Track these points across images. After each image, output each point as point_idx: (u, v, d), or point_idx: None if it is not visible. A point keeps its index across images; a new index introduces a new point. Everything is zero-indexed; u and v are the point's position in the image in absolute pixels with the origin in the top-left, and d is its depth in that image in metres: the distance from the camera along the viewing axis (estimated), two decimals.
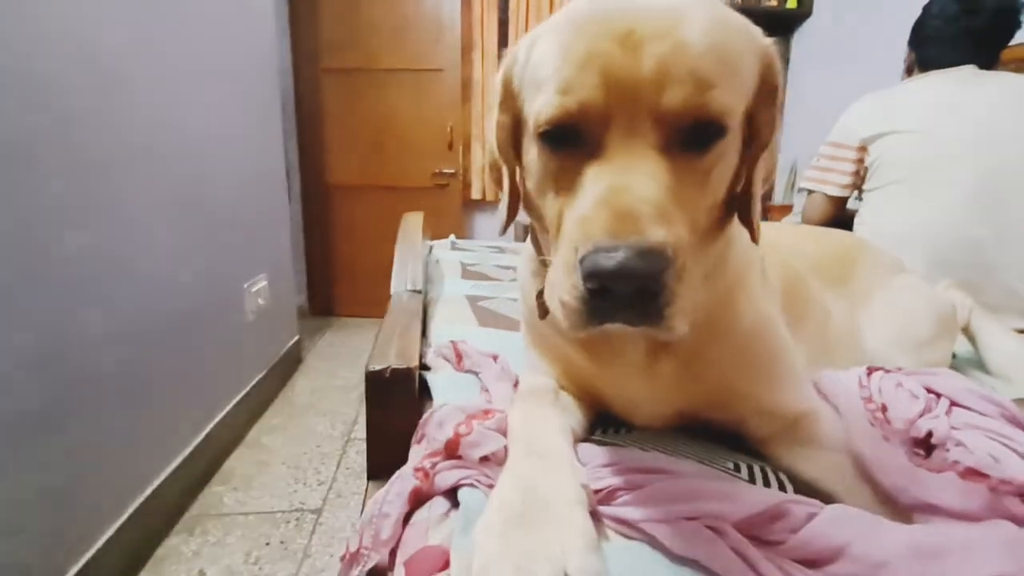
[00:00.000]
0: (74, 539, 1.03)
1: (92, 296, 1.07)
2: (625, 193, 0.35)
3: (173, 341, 1.37)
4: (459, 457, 0.41)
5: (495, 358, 0.62)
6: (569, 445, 0.43)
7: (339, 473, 1.61)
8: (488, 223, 3.17)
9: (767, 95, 0.42)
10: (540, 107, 0.39)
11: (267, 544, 1.30)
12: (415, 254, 0.94)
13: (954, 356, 0.96)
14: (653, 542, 0.35)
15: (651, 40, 0.35)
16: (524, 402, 0.49)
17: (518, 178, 0.49)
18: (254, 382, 1.87)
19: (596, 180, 0.37)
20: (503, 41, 2.93)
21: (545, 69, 0.40)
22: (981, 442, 0.43)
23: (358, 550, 0.37)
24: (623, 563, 0.34)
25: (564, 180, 0.40)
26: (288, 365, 2.21)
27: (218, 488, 1.51)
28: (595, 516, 0.37)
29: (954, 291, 0.97)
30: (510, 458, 0.41)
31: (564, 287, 0.35)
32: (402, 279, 0.89)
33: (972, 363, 0.93)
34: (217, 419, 1.60)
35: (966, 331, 0.94)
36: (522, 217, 0.53)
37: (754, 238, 0.45)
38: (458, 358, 0.63)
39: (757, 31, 0.42)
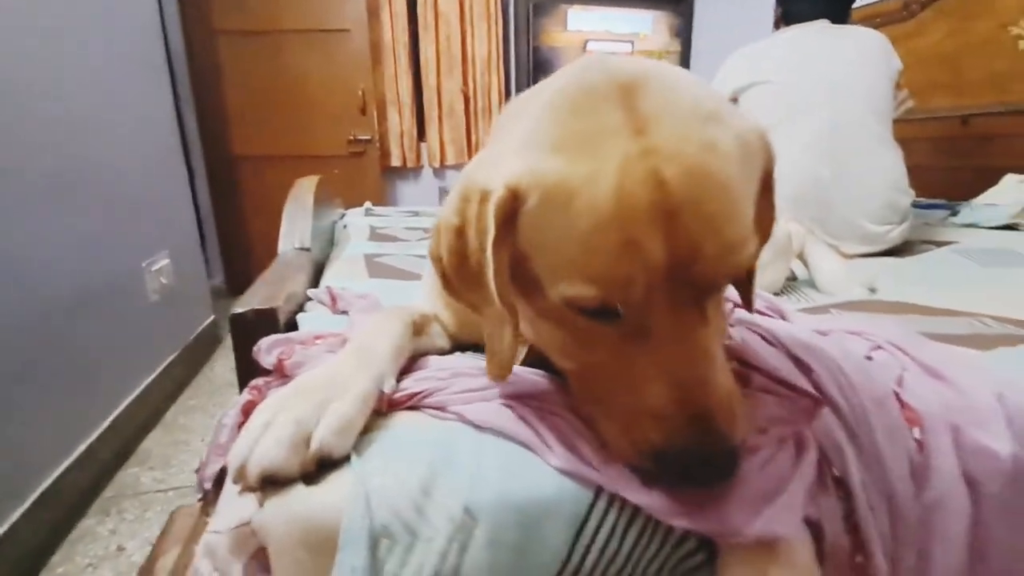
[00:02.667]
0: None
1: None
2: (698, 393, 0.34)
3: (67, 326, 1.32)
4: (288, 376, 0.47)
5: (365, 297, 0.67)
6: (394, 356, 0.48)
7: None
8: (410, 190, 3.15)
9: (766, 187, 0.42)
10: (568, 293, 0.36)
11: None
12: (304, 214, 0.96)
13: (796, 278, 1.11)
14: (462, 419, 0.42)
15: (685, 217, 0.33)
16: (380, 315, 0.53)
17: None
18: (166, 363, 1.82)
19: (654, 368, 0.35)
20: (411, 1, 2.86)
21: (567, 246, 0.35)
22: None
23: (206, 458, 0.42)
24: (441, 433, 0.42)
25: (597, 342, 0.38)
26: (205, 345, 2.15)
27: (134, 469, 1.49)
28: (381, 412, 0.43)
29: (792, 223, 1.11)
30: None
31: (617, 446, 0.38)
32: (290, 239, 0.91)
33: (806, 283, 1.08)
34: (126, 402, 1.56)
35: (800, 256, 1.09)
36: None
37: (749, 309, 0.50)
38: (333, 301, 0.68)
39: (759, 128, 0.40)
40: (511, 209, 0.37)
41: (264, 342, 0.49)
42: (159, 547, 0.40)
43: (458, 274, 0.42)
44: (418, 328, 0.56)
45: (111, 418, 1.47)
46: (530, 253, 0.38)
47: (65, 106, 1.37)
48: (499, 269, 0.38)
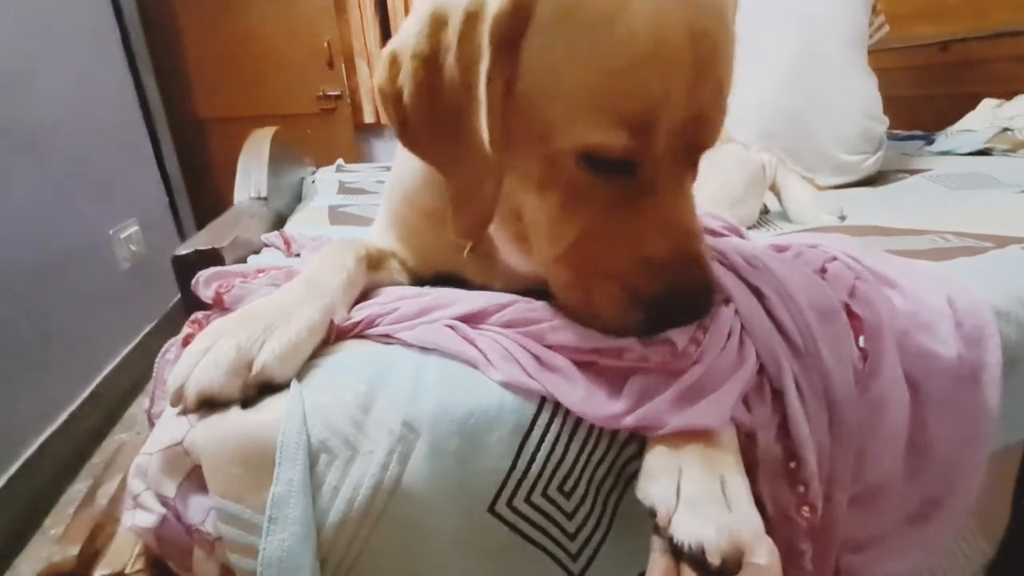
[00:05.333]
0: None
1: None
2: (693, 245, 0.38)
3: (37, 295, 1.30)
4: (228, 310, 0.45)
5: (319, 239, 0.66)
6: (345, 288, 0.46)
7: None
8: (385, 147, 3.07)
9: None
10: (591, 140, 0.34)
11: None
12: (260, 163, 0.93)
13: (768, 211, 1.10)
14: (404, 344, 0.42)
15: (709, 72, 0.34)
16: (330, 247, 0.51)
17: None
18: (146, 332, 1.80)
19: (656, 222, 0.37)
20: None
21: (593, 79, 0.32)
22: None
23: (152, 395, 0.41)
24: (380, 354, 0.41)
25: (595, 202, 0.37)
26: (183, 314, 2.13)
27: (121, 435, 1.50)
28: (328, 342, 0.42)
29: (764, 153, 1.09)
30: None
31: (610, 306, 0.38)
32: (245, 189, 0.88)
33: (778, 215, 1.07)
34: (107, 370, 1.56)
35: (772, 188, 1.08)
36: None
37: None
38: (287, 245, 0.66)
39: None
40: (512, 29, 0.32)
41: (202, 275, 0.48)
42: (102, 476, 0.40)
43: (426, 117, 0.36)
44: (373, 262, 0.54)
45: (92, 386, 1.47)
46: (535, 88, 0.33)
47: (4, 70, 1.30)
48: (492, 105, 0.33)
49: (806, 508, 0.38)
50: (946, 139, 1.48)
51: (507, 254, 0.46)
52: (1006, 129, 1.37)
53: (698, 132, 0.36)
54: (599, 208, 0.37)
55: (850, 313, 0.46)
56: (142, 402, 1.64)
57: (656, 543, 0.34)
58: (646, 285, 0.37)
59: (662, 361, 0.38)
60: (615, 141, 0.33)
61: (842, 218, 0.98)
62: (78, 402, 1.40)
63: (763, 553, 0.31)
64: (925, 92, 1.84)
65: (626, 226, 0.37)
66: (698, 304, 0.40)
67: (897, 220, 0.88)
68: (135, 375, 1.70)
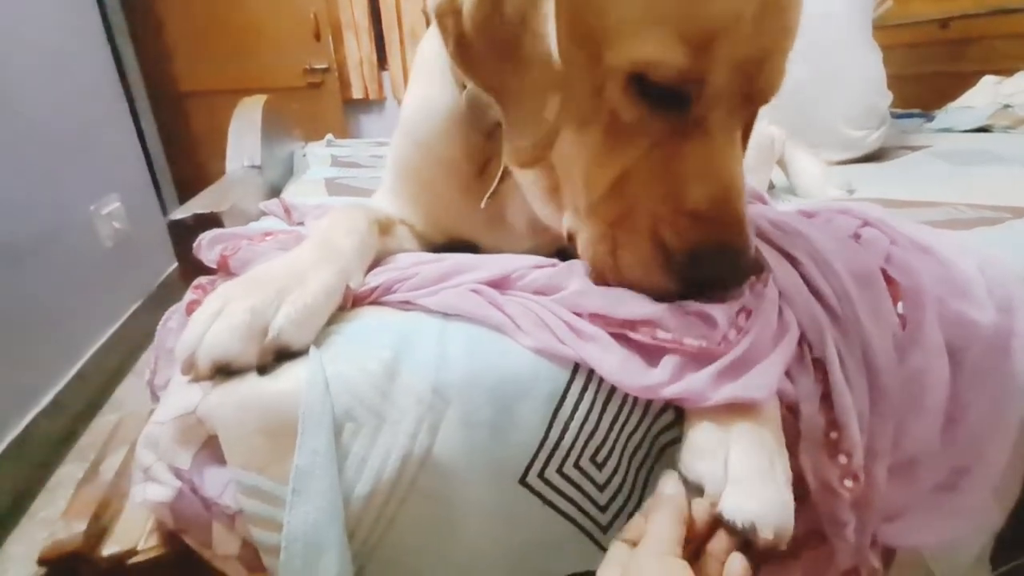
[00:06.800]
0: None
1: None
2: (736, 202, 0.35)
3: (16, 274, 1.24)
4: (234, 275, 0.42)
5: (321, 207, 0.63)
6: (360, 252, 0.44)
7: None
8: (374, 124, 2.99)
9: None
10: (649, 55, 0.31)
11: None
12: (252, 130, 0.89)
13: (774, 186, 1.09)
14: (427, 310, 0.39)
15: (779, 14, 0.33)
16: (340, 211, 0.48)
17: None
18: (131, 311, 1.75)
19: (701, 169, 0.35)
20: None
21: None
22: None
23: (154, 365, 0.38)
24: (404, 321, 0.39)
25: (639, 138, 0.35)
26: (173, 292, 2.06)
27: (110, 416, 1.46)
28: (345, 309, 0.39)
29: (773, 126, 1.07)
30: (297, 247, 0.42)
31: (637, 268, 0.37)
32: (238, 158, 0.84)
33: (785, 189, 1.06)
34: (92, 351, 1.51)
35: (780, 162, 1.06)
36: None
37: None
38: (287, 213, 0.63)
39: None
40: None
41: (205, 236, 0.44)
42: (105, 449, 0.37)
43: (486, 32, 0.34)
44: (384, 227, 0.51)
45: (77, 367, 1.43)
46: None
47: None
48: (560, 12, 0.31)
49: (849, 479, 0.36)
50: (946, 116, 1.47)
51: (536, 206, 0.44)
52: (1006, 106, 1.37)
53: (760, 73, 0.34)
54: (643, 146, 0.35)
55: (887, 279, 0.45)
56: (130, 384, 1.60)
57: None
58: (679, 242, 0.35)
59: (698, 349, 0.35)
60: (672, 59, 0.31)
61: (851, 192, 0.96)
62: (63, 383, 1.36)
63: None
64: (925, 69, 1.83)
65: (668, 170, 0.35)
66: (732, 270, 0.37)
67: (906, 194, 0.87)
68: (122, 355, 1.65)
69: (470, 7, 0.34)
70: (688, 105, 0.33)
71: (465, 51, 0.36)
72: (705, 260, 0.36)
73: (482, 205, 0.45)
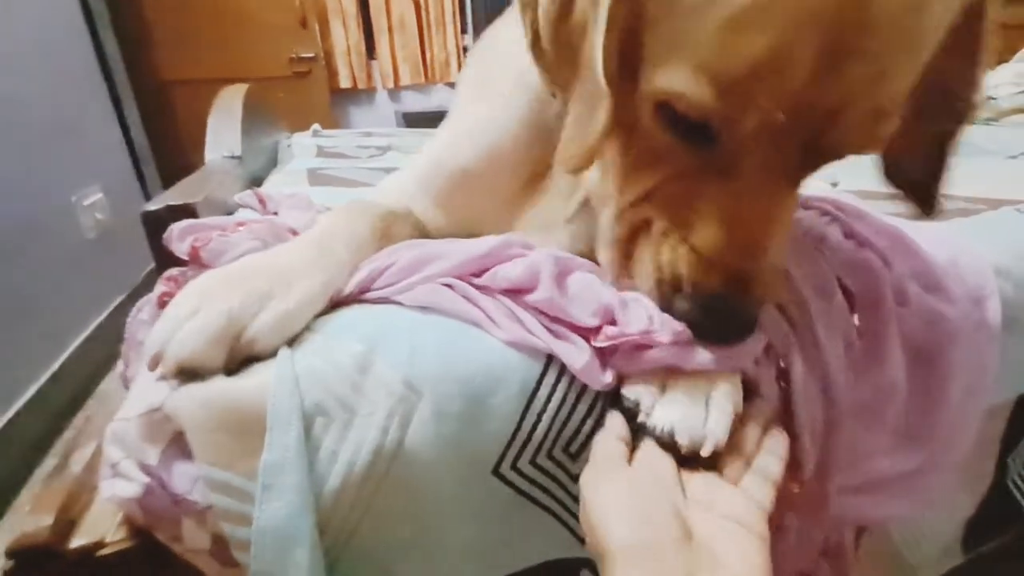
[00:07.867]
0: None
1: None
2: (747, 257, 0.32)
3: None
4: (206, 267, 0.41)
5: (295, 196, 0.62)
6: (353, 263, 0.41)
7: None
8: (363, 115, 2.96)
9: (957, 48, 0.32)
10: (674, 86, 0.29)
11: None
12: (232, 121, 0.87)
13: None
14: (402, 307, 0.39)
15: (862, 41, 0.26)
16: (347, 211, 0.46)
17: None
18: (115, 304, 1.73)
19: (718, 213, 0.32)
20: None
21: (701, 20, 0.28)
22: None
23: (126, 357, 0.38)
24: (375, 316, 0.39)
25: (667, 164, 0.34)
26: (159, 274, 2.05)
27: (94, 411, 1.45)
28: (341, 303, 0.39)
29: None
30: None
31: (645, 278, 0.36)
32: (216, 148, 0.83)
33: None
34: (75, 344, 1.49)
35: None
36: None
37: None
38: (262, 204, 0.62)
39: None
40: None
41: (176, 227, 0.43)
42: (73, 444, 0.37)
43: (555, 30, 0.34)
44: (384, 231, 0.48)
45: (60, 361, 1.41)
46: (651, 14, 0.30)
47: None
48: (612, 28, 0.30)
49: (795, 485, 0.37)
50: None
51: (596, 188, 0.42)
52: (990, 97, 1.38)
53: (833, 125, 0.29)
54: (667, 173, 0.34)
55: (845, 290, 0.45)
56: (115, 378, 1.58)
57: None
58: (681, 270, 0.34)
59: (641, 334, 0.35)
60: (695, 94, 0.29)
61: (834, 184, 0.97)
62: (46, 377, 1.34)
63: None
64: None
65: (684, 202, 0.33)
66: (717, 326, 0.34)
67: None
68: (106, 349, 1.64)
69: (545, 3, 0.34)
70: (714, 140, 0.31)
71: (537, 46, 0.36)
72: (696, 302, 0.34)
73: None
